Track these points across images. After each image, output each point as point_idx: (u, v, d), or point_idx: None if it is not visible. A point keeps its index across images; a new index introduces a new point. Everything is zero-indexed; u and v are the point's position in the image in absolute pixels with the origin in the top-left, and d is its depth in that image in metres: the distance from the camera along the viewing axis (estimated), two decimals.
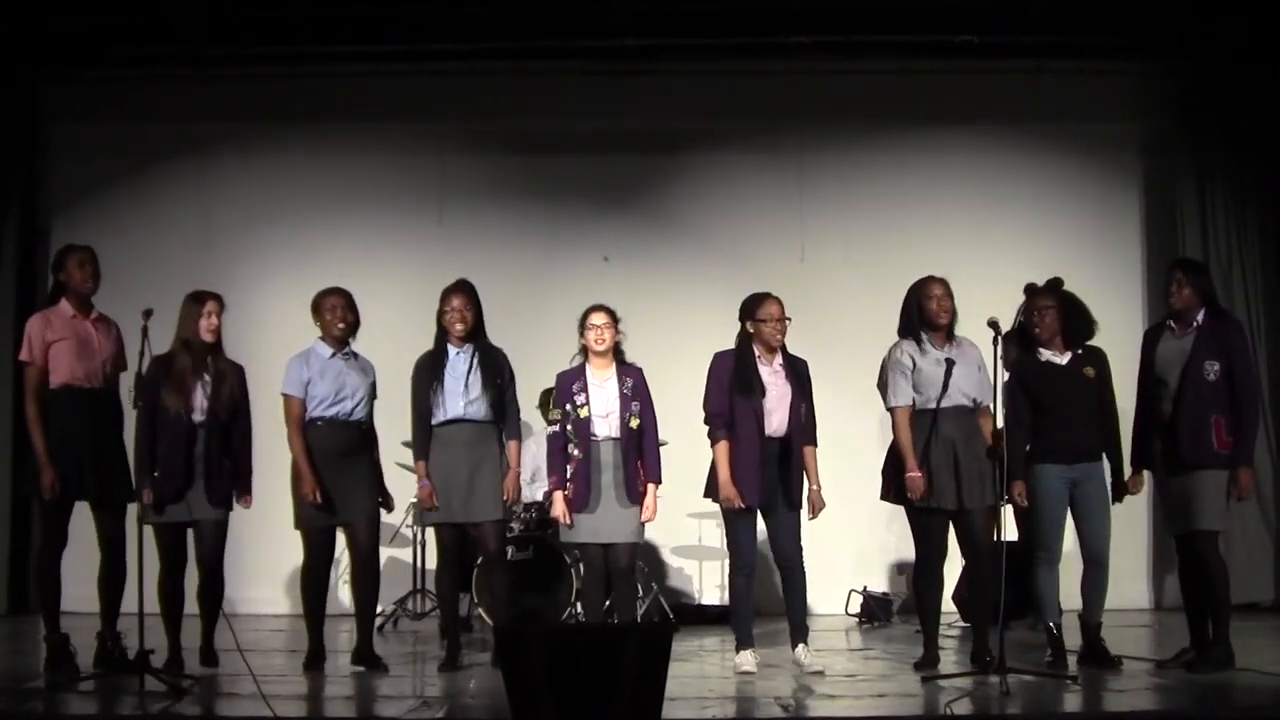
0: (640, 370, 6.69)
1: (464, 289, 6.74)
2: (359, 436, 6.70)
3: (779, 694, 5.86)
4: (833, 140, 9.90)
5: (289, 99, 9.85)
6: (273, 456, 6.76)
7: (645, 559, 8.23)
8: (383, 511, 6.82)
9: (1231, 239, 9.58)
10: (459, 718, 5.59)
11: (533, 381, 7.59)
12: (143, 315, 6.06)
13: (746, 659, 6.46)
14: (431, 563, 8.50)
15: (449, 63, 9.62)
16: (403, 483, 7.59)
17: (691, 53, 9.69)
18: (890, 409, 6.55)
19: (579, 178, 9.85)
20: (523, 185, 9.84)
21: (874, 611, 8.76)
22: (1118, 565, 6.60)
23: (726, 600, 9.12)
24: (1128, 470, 6.58)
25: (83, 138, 9.87)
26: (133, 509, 6.32)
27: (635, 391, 6.61)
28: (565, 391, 6.63)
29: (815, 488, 6.50)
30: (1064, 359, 6.53)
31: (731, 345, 6.61)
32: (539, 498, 8.21)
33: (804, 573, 6.50)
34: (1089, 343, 6.60)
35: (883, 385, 6.57)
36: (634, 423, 6.57)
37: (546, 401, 8.44)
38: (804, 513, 6.52)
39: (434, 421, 6.66)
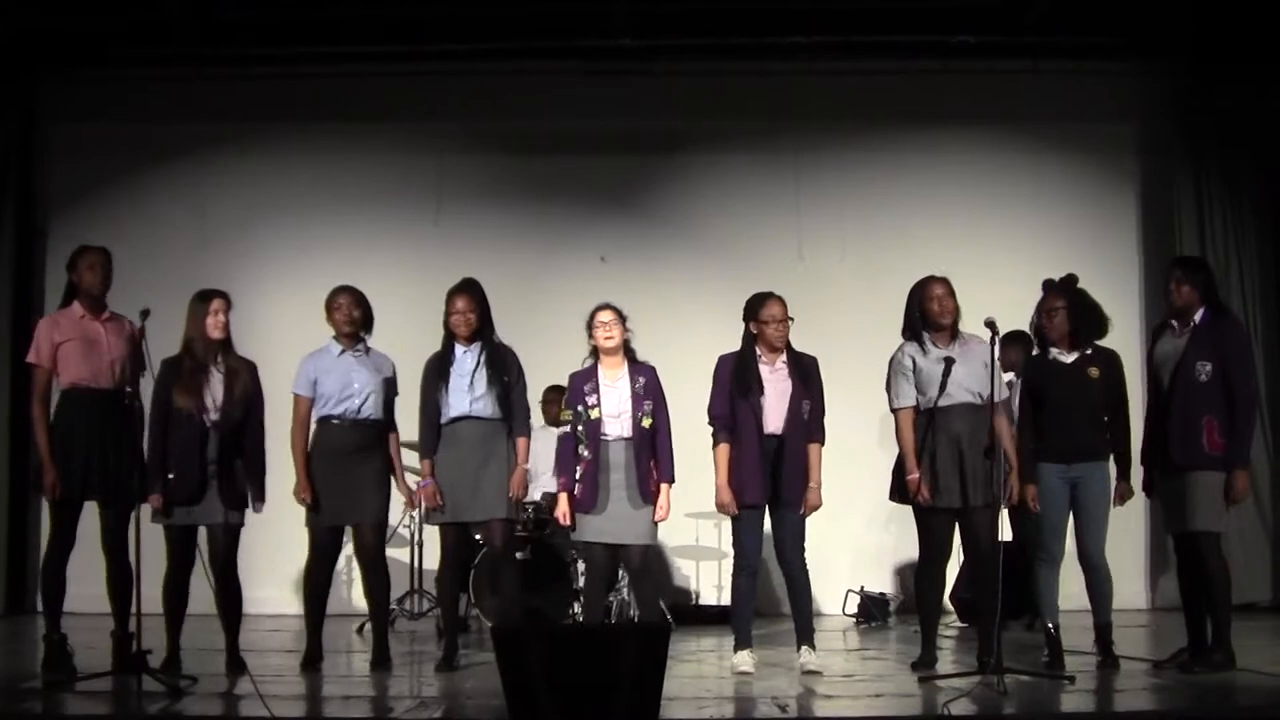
0: (653, 369, 6.65)
1: (468, 290, 6.72)
2: (369, 435, 6.68)
3: (776, 694, 5.85)
4: (830, 140, 9.91)
5: (286, 99, 9.86)
6: (280, 456, 6.74)
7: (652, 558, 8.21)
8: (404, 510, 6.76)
9: (1228, 239, 9.60)
10: (456, 718, 5.58)
11: (530, 382, 7.56)
12: (140, 315, 6.09)
13: (744, 659, 6.46)
14: (430, 563, 8.52)
15: (446, 63, 9.62)
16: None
17: (689, 53, 9.69)
18: (893, 411, 6.56)
19: (576, 178, 9.86)
20: (520, 185, 9.84)
21: (871, 611, 8.77)
22: (1113, 565, 6.60)
23: (725, 600, 9.15)
24: (1136, 474, 6.56)
25: (80, 138, 9.88)
26: (145, 510, 6.31)
27: (648, 390, 6.57)
28: (577, 392, 6.60)
29: (812, 485, 6.46)
30: (1069, 358, 6.53)
31: (729, 345, 6.62)
32: (537, 497, 8.21)
33: (806, 575, 6.49)
34: (1102, 343, 6.59)
35: (888, 387, 6.58)
36: (646, 422, 6.53)
37: (545, 400, 8.46)
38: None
39: (442, 420, 6.65)
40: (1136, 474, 6.59)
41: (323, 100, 9.85)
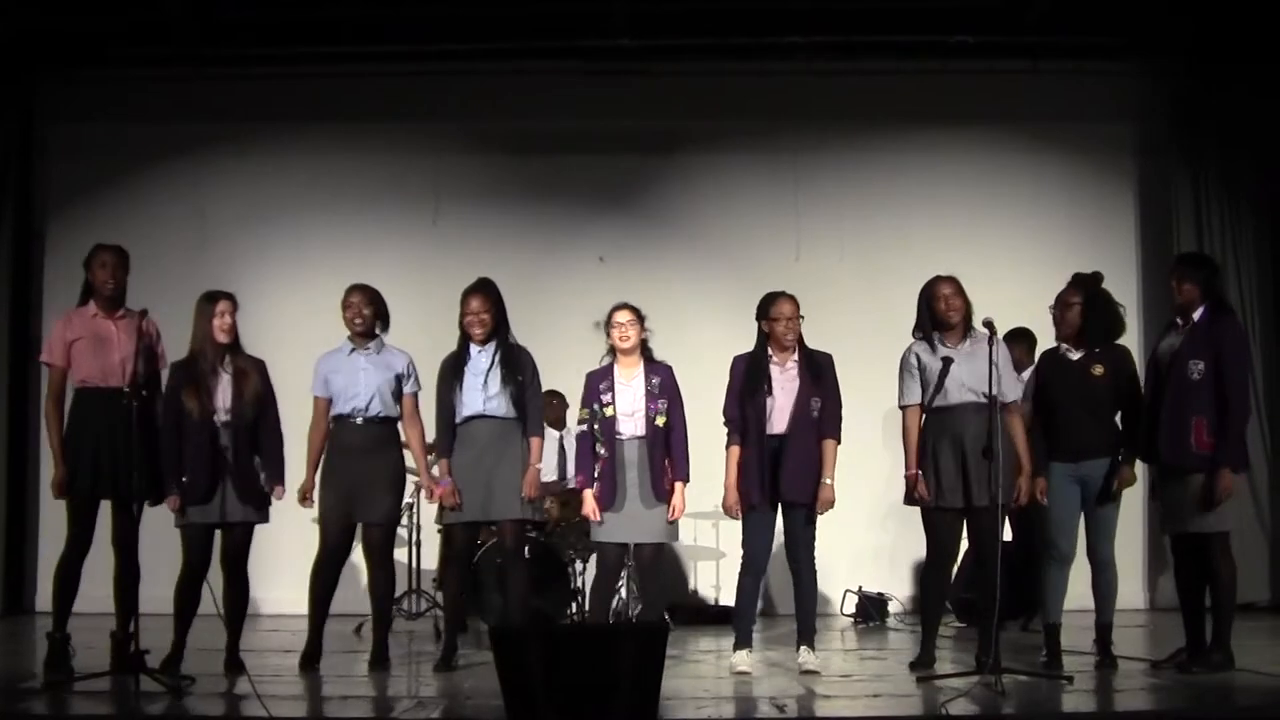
0: (670, 368, 6.65)
1: (483, 290, 6.72)
2: (381, 433, 6.68)
3: (774, 694, 5.85)
4: (829, 140, 9.91)
5: (285, 99, 9.86)
6: (295, 455, 6.73)
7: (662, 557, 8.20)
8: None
9: (1226, 239, 9.60)
10: (455, 718, 5.58)
11: None
12: (139, 315, 6.10)
13: (742, 659, 6.46)
14: (428, 563, 8.53)
15: (446, 63, 9.62)
16: None
17: (688, 53, 9.69)
18: (900, 408, 6.59)
19: (575, 178, 9.86)
20: (518, 185, 9.84)
21: (869, 611, 8.77)
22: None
23: (724, 600, 9.16)
24: (1140, 479, 6.56)
25: (80, 138, 9.88)
26: (155, 511, 6.35)
27: (662, 389, 6.56)
28: (592, 391, 6.62)
29: (825, 482, 6.42)
30: (1076, 355, 6.53)
31: (728, 345, 6.63)
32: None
33: (812, 574, 6.50)
34: (1118, 342, 6.57)
35: (898, 386, 6.60)
36: (660, 420, 6.53)
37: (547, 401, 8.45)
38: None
39: (456, 420, 6.66)
40: (1139, 472, 6.60)
41: (323, 100, 9.85)
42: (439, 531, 8.15)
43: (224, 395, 6.43)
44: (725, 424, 6.56)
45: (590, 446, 6.60)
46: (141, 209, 9.76)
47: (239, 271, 8.91)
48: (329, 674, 6.50)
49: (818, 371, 6.49)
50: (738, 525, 6.67)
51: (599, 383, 6.61)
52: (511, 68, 9.70)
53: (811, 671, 6.34)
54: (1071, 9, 9.19)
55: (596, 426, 6.57)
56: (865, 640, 8.08)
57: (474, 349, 6.70)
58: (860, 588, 8.91)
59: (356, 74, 9.74)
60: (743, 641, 6.53)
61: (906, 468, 6.49)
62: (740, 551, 6.57)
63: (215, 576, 6.48)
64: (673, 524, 6.62)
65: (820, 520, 6.56)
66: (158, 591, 6.41)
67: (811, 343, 6.62)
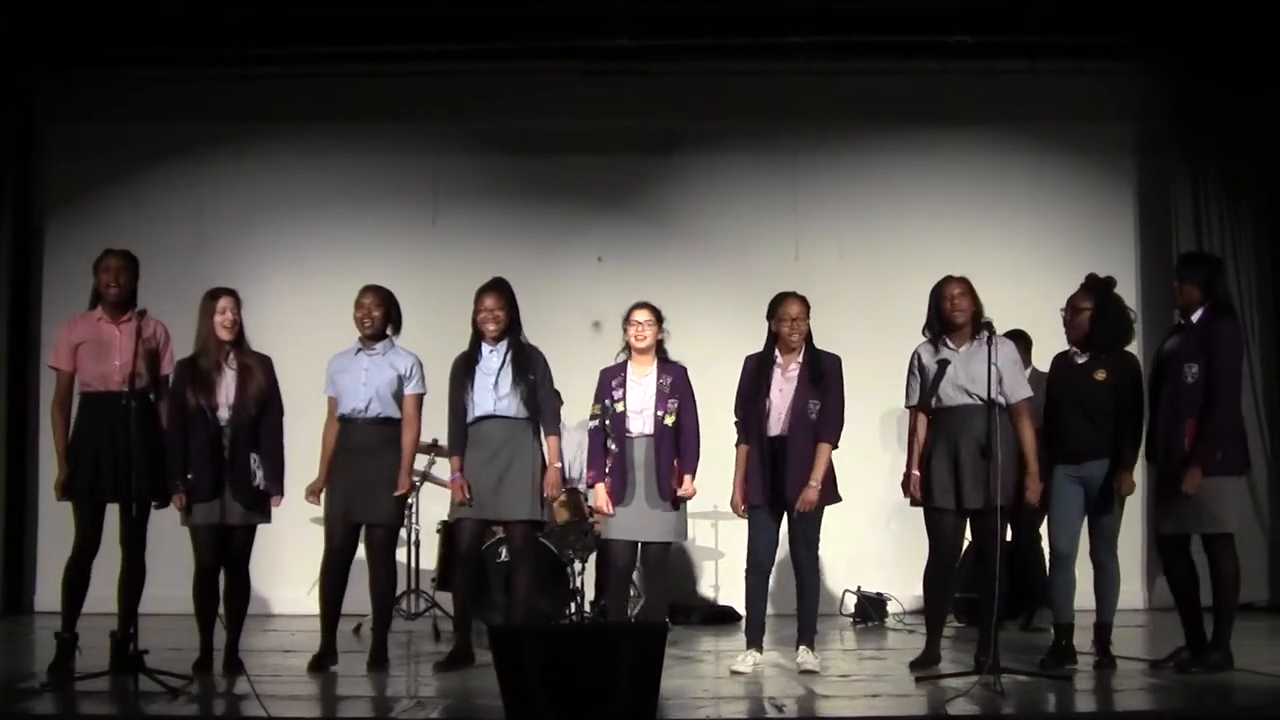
0: (683, 369, 6.67)
1: (497, 289, 6.73)
2: (383, 434, 6.67)
3: (773, 694, 5.86)
4: (828, 140, 9.91)
5: (284, 99, 9.85)
6: (293, 455, 6.73)
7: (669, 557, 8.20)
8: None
9: (1225, 239, 9.60)
10: (454, 718, 5.58)
11: None
12: (136, 315, 6.10)
13: (744, 659, 6.47)
14: (427, 562, 8.52)
15: (445, 63, 9.62)
16: None
17: (687, 53, 9.69)
18: (906, 408, 6.64)
19: (574, 178, 9.86)
20: (517, 185, 9.84)
21: (869, 612, 8.77)
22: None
23: (722, 600, 9.17)
24: (1141, 480, 6.56)
25: (79, 137, 9.87)
26: (157, 511, 6.36)
27: (673, 388, 6.58)
28: (605, 387, 6.65)
29: (811, 483, 6.41)
30: (1082, 359, 6.53)
31: (727, 345, 6.66)
32: None
33: (814, 575, 6.50)
34: (1127, 349, 6.58)
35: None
36: (669, 420, 6.55)
37: None
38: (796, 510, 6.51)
39: (468, 419, 6.66)
40: (1139, 478, 6.60)
41: (322, 100, 9.85)
42: (438, 531, 8.17)
43: (226, 392, 6.43)
44: (735, 424, 6.61)
45: (602, 442, 6.63)
46: (141, 209, 9.76)
47: (238, 271, 8.88)
48: (330, 674, 6.50)
49: (819, 374, 6.48)
50: (738, 525, 6.69)
51: (612, 379, 6.65)
52: (511, 68, 9.69)
53: (811, 671, 6.35)
54: (1071, 9, 9.19)
55: (608, 422, 6.59)
56: (865, 640, 8.07)
57: (485, 348, 6.70)
58: (859, 588, 8.90)
59: (356, 74, 9.73)
60: (751, 641, 6.55)
61: (907, 466, 6.54)
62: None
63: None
64: (679, 523, 6.63)
65: (821, 521, 6.55)
66: (158, 591, 6.41)
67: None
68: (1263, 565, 9.28)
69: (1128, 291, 9.50)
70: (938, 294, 6.50)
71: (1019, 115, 9.85)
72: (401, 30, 9.34)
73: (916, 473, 6.49)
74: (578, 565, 7.87)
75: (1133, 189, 9.93)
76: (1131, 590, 9.09)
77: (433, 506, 8.30)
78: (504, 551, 7.48)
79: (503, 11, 9.18)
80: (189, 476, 6.34)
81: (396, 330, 6.82)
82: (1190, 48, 9.55)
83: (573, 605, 7.88)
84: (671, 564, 9.41)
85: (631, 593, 7.82)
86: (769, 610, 6.63)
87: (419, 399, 6.79)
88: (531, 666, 4.62)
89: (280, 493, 6.54)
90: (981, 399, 6.28)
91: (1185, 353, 6.27)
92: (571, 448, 8.09)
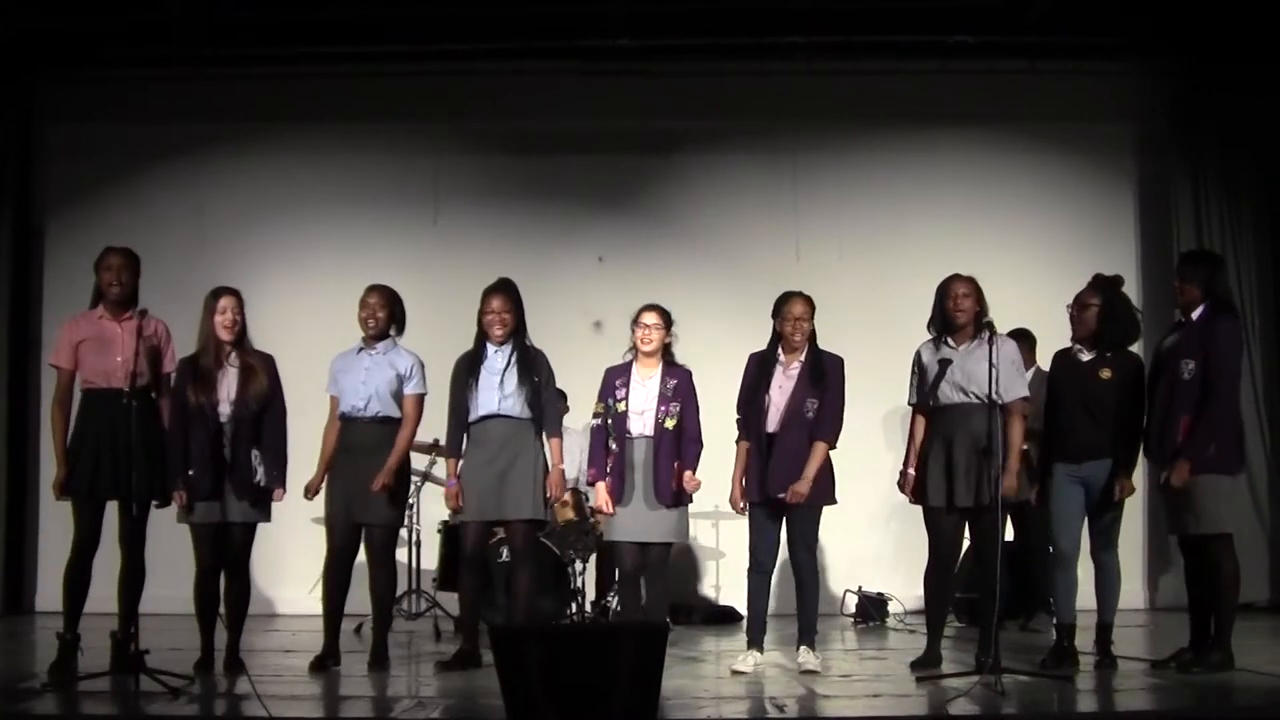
0: (689, 372, 6.67)
1: (505, 290, 6.72)
2: (383, 434, 6.66)
3: (774, 694, 5.86)
4: (828, 140, 9.91)
5: (284, 99, 9.86)
6: (294, 454, 6.73)
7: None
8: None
9: (1226, 239, 9.60)
10: (455, 718, 5.58)
11: None
12: (137, 315, 6.10)
13: (745, 659, 6.47)
14: (428, 563, 8.52)
15: (445, 63, 9.62)
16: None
17: (687, 53, 9.69)
18: (909, 405, 6.66)
19: (574, 178, 9.86)
20: (518, 185, 9.84)
21: (869, 611, 8.77)
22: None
23: (723, 600, 9.17)
24: (1142, 479, 6.56)
25: (79, 137, 9.88)
26: (157, 510, 6.35)
27: (677, 392, 6.58)
28: (609, 386, 6.65)
29: (804, 477, 6.37)
30: (1086, 357, 6.53)
31: (728, 345, 6.66)
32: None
33: (813, 575, 6.51)
34: (1131, 349, 6.58)
35: None
36: (669, 423, 6.54)
37: None
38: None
39: (470, 419, 6.65)
40: (1139, 478, 6.60)
41: (322, 100, 9.85)
42: (439, 531, 8.17)
43: (227, 391, 6.44)
44: (737, 421, 6.62)
45: (604, 441, 6.63)
46: (141, 209, 9.76)
47: (238, 271, 8.87)
48: (330, 674, 6.50)
49: (820, 373, 6.49)
50: (739, 525, 6.70)
51: (616, 379, 6.65)
52: (511, 68, 9.69)
53: (812, 671, 6.35)
54: (1071, 9, 9.18)
55: (610, 421, 6.60)
56: (865, 640, 8.07)
57: (490, 348, 6.69)
58: (860, 588, 8.90)
59: (355, 74, 9.73)
60: (752, 641, 6.56)
61: (904, 464, 6.57)
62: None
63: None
64: (679, 523, 6.62)
65: (822, 521, 6.56)
66: (159, 591, 6.41)
67: None
68: (1263, 565, 9.28)
69: (1129, 290, 9.54)
70: (943, 292, 6.50)
71: (1019, 115, 9.85)
72: (401, 30, 9.34)
73: (911, 472, 6.50)
74: (579, 565, 7.87)
75: (1133, 189, 9.93)
76: (1133, 590, 9.10)
77: (433, 507, 8.29)
78: (505, 552, 7.47)
79: (503, 11, 9.18)
80: (189, 474, 6.34)
81: (400, 331, 6.82)
82: (1190, 48, 9.55)
83: (574, 605, 7.88)
84: (673, 564, 9.49)
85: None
86: (770, 610, 6.64)
87: (419, 399, 6.78)
88: (533, 666, 4.62)
89: (282, 486, 6.54)
90: (978, 398, 6.29)
91: (1183, 349, 6.27)
92: (574, 450, 8.08)
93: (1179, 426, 6.20)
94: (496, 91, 9.81)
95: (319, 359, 6.90)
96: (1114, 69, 9.80)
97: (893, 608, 8.88)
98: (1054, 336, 6.86)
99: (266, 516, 6.57)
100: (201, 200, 9.84)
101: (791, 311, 6.50)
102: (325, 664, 6.55)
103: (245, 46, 9.54)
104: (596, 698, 4.62)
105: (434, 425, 7.11)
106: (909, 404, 6.64)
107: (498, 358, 6.66)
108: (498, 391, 6.59)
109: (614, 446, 6.59)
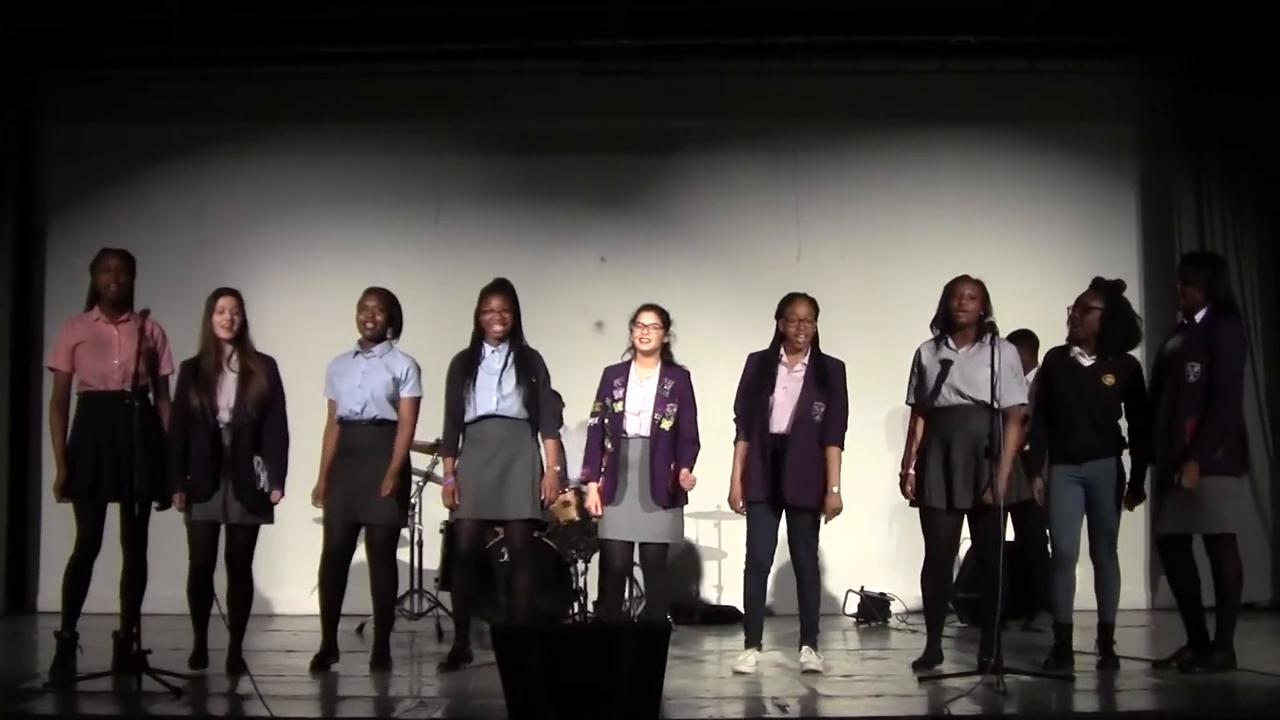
0: (687, 373, 6.67)
1: (504, 290, 6.72)
2: (381, 436, 6.66)
3: (776, 694, 5.86)
4: (829, 140, 9.91)
5: (285, 99, 9.85)
6: (295, 455, 6.72)
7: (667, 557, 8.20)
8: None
9: (1228, 239, 9.59)
10: (457, 718, 5.58)
11: None
12: (140, 315, 6.10)
13: (746, 659, 6.47)
14: (430, 563, 8.52)
15: (446, 63, 9.61)
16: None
17: (688, 53, 9.69)
18: (906, 405, 6.67)
19: (576, 178, 9.86)
20: (519, 185, 9.84)
21: (872, 611, 8.77)
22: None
23: (725, 600, 9.16)
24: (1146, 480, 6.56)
25: (79, 138, 9.88)
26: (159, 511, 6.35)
27: (674, 393, 6.58)
28: (607, 385, 6.66)
29: (833, 490, 6.46)
30: (1088, 360, 6.53)
31: (729, 344, 6.66)
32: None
33: (814, 575, 6.51)
34: (1130, 353, 6.58)
35: None
36: (665, 424, 6.54)
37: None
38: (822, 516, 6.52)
39: (466, 418, 6.65)
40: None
41: (322, 100, 9.84)
42: (441, 531, 8.16)
43: (227, 394, 6.44)
44: (734, 420, 6.60)
45: (599, 440, 6.64)
46: (142, 209, 9.76)
47: (239, 271, 8.88)
48: (332, 674, 6.50)
49: (825, 376, 6.50)
50: (740, 525, 6.69)
51: (614, 378, 6.66)
52: (511, 68, 9.69)
53: (814, 671, 6.35)
54: (1071, 9, 9.17)
55: (606, 421, 6.60)
56: (867, 640, 8.07)
57: (487, 348, 6.69)
58: (863, 588, 8.90)
59: (356, 74, 9.73)
60: (751, 640, 6.55)
61: (902, 464, 6.58)
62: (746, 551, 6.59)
63: (221, 576, 6.49)
64: (674, 523, 6.62)
65: (820, 521, 6.56)
66: (162, 592, 6.41)
67: None
68: (1265, 565, 9.28)
69: (1130, 292, 9.52)
70: (949, 291, 6.50)
71: (1020, 115, 9.84)
72: (402, 30, 9.33)
73: (911, 472, 6.51)
74: (581, 565, 7.87)
75: (1134, 189, 9.93)
76: (1134, 590, 9.10)
77: (436, 507, 8.26)
78: (506, 552, 7.47)
79: (503, 11, 9.17)
80: (188, 478, 6.34)
81: (396, 334, 6.82)
82: (1191, 47, 9.54)
83: (576, 605, 7.88)
84: (673, 564, 9.48)
85: (635, 593, 7.82)
86: (774, 611, 6.64)
87: (415, 402, 6.77)
88: (534, 667, 4.62)
89: (280, 489, 6.54)
90: (975, 400, 6.30)
91: (1188, 352, 6.27)
92: (572, 450, 8.08)
93: (1185, 428, 6.20)
94: (497, 91, 9.81)
95: (320, 360, 6.90)
96: (1114, 69, 9.79)
97: (895, 607, 8.88)
98: (1055, 337, 6.86)
99: (269, 518, 6.57)
100: (202, 201, 9.84)
101: (796, 312, 6.50)
102: (325, 663, 6.55)
103: (245, 46, 9.53)
104: (598, 698, 4.62)
105: (435, 424, 7.11)
106: (907, 403, 6.65)
107: (495, 358, 6.66)
108: (496, 391, 6.59)
109: (609, 446, 6.58)
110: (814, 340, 6.56)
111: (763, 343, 6.68)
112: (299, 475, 6.69)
